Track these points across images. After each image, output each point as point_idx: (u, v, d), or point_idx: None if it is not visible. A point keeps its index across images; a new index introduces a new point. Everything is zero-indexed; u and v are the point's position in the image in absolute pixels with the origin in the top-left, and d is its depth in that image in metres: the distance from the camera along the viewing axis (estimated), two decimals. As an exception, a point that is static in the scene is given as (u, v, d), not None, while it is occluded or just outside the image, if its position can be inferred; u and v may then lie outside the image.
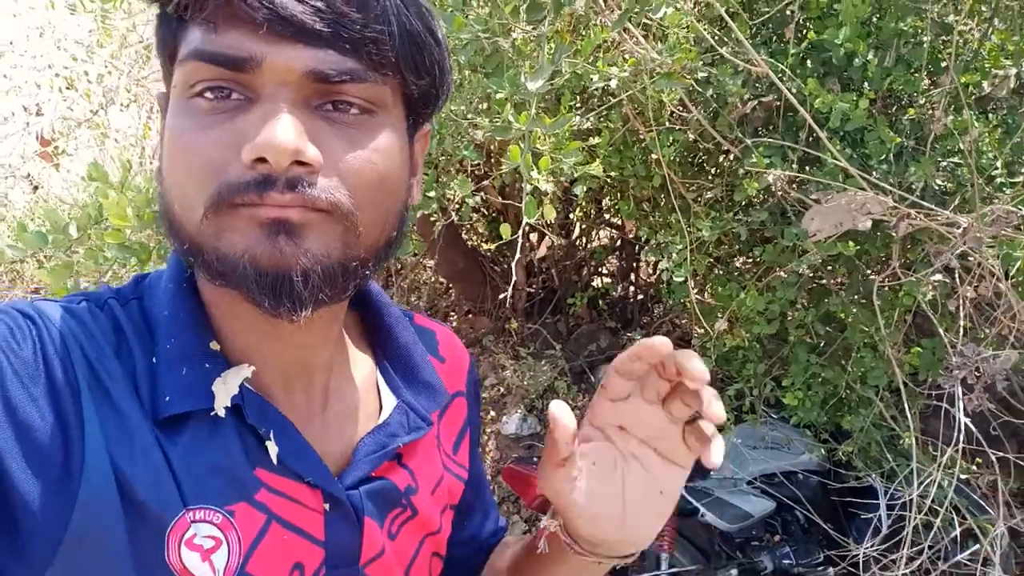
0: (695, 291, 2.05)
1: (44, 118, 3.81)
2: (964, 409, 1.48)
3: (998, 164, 1.97)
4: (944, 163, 1.99)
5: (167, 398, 0.53)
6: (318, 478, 0.58)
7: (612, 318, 3.69)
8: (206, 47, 0.49)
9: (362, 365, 0.69)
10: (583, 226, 3.57)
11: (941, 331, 1.77)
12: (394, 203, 0.56)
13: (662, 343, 0.55)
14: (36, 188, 3.71)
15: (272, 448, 0.56)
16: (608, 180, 2.06)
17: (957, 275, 1.82)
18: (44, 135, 3.70)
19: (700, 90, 1.91)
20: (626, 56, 1.80)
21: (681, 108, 1.98)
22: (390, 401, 0.68)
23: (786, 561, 2.59)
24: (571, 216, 3.28)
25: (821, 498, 2.60)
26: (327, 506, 0.59)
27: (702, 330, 2.38)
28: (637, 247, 3.77)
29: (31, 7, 4.11)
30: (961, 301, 1.71)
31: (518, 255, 1.19)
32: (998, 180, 2.00)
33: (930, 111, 1.95)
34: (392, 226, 0.57)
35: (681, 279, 1.82)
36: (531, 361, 3.27)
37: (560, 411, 0.57)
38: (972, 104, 1.98)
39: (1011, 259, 1.59)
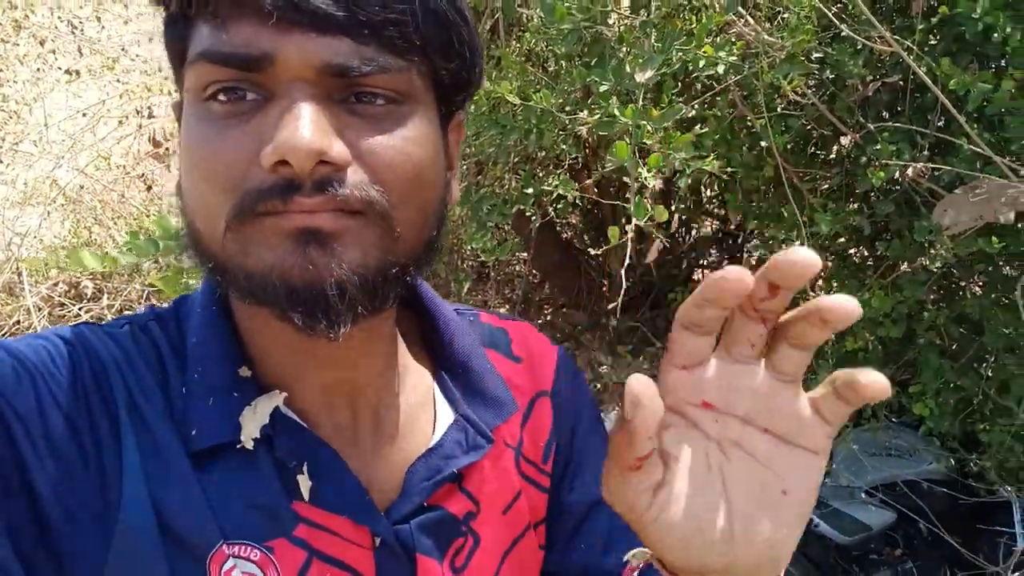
0: (812, 290, 1.91)
1: (156, 120, 3.98)
2: None
3: None
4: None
5: (194, 432, 0.51)
6: (358, 515, 0.53)
7: (714, 313, 3.54)
8: (215, 47, 0.45)
9: (418, 377, 0.63)
10: (683, 217, 3.43)
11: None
12: (432, 199, 0.51)
13: (738, 274, 0.37)
14: (149, 188, 3.88)
15: (304, 483, 0.52)
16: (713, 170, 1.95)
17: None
18: (156, 137, 3.87)
19: (816, 72, 1.77)
20: (733, 39, 1.68)
21: (795, 92, 1.85)
22: (446, 417, 0.61)
23: (909, 578, 2.41)
24: (671, 207, 3.15)
25: (948, 511, 2.41)
26: (377, 541, 0.54)
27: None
28: (740, 238, 3.60)
29: (140, 13, 4.30)
30: None
31: (627, 260, 1.11)
32: None
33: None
34: (432, 226, 0.52)
35: (798, 279, 1.69)
36: (629, 358, 3.18)
37: (642, 388, 0.39)
38: None
39: None
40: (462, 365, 0.63)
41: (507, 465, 0.63)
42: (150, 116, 3.85)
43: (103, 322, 0.56)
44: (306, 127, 0.43)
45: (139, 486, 0.48)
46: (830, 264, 2.19)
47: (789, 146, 1.94)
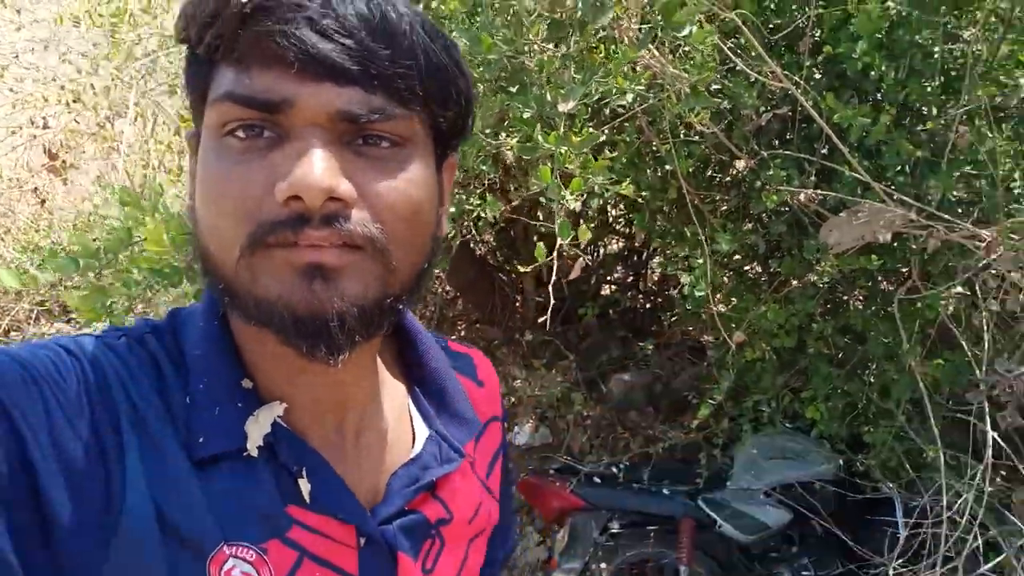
0: (713, 303, 2.05)
1: (50, 131, 3.80)
2: (994, 425, 1.47)
3: (1016, 175, 1.97)
4: (961, 175, 1.98)
5: (201, 439, 0.54)
6: (351, 515, 0.58)
7: (622, 327, 3.69)
8: (239, 89, 0.49)
9: (395, 393, 0.68)
10: (592, 236, 3.56)
11: (964, 344, 1.76)
12: (426, 235, 0.56)
13: None
14: (43, 202, 3.70)
15: (305, 486, 0.56)
16: (627, 194, 2.06)
17: (978, 288, 1.82)
18: (51, 149, 3.69)
19: (716, 101, 1.91)
20: (641, 70, 1.80)
21: (697, 120, 1.98)
22: (423, 431, 0.67)
23: (804, 572, 2.58)
24: (581, 226, 3.27)
25: (838, 509, 2.60)
26: (361, 541, 0.59)
27: (717, 340, 2.37)
28: (644, 255, 3.77)
29: (35, 20, 4.11)
30: (985, 315, 1.70)
31: (554, 277, 1.18)
32: (1016, 191, 1.99)
33: (945, 124, 1.95)
34: (424, 258, 0.57)
35: (702, 293, 1.81)
36: (543, 371, 3.27)
37: None
38: (989, 114, 1.98)
39: (1036, 272, 1.58)
40: (437, 386, 0.69)
41: (471, 478, 0.70)
42: (45, 127, 3.68)
43: (96, 333, 0.58)
44: (318, 167, 0.48)
45: (142, 490, 0.50)
46: (727, 280, 2.34)
47: (691, 170, 2.08)
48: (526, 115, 1.22)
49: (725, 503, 2.59)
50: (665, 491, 2.63)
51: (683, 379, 3.27)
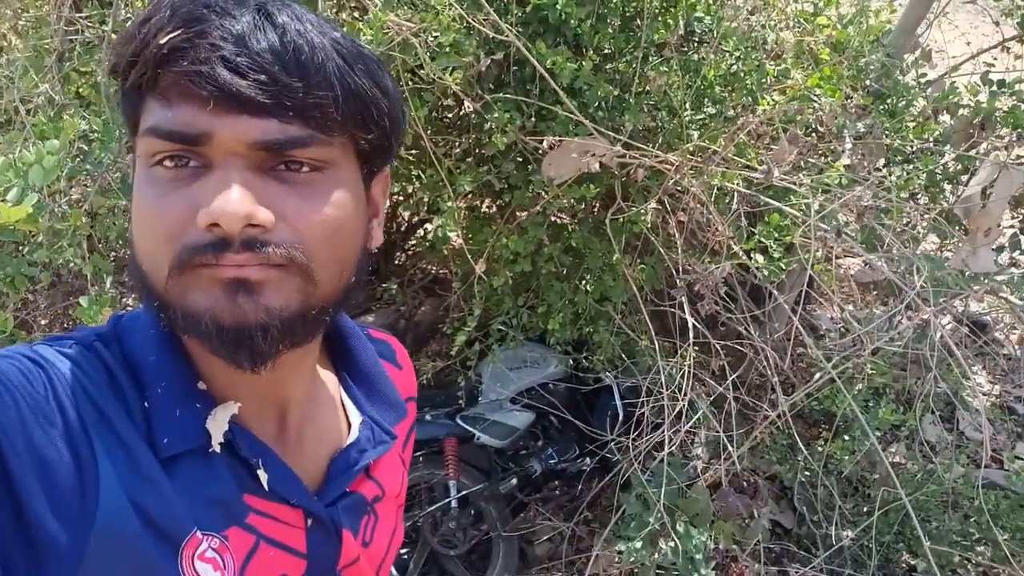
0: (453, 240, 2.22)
1: None
2: (695, 313, 1.85)
3: (687, 105, 2.39)
4: (645, 108, 2.36)
5: (165, 440, 0.57)
6: (301, 500, 0.65)
7: (360, 270, 3.73)
8: (162, 124, 0.53)
9: (327, 381, 0.74)
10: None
11: (661, 250, 2.15)
12: (350, 251, 0.60)
13: None
14: None
15: (263, 476, 0.62)
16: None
17: (667, 204, 2.22)
18: None
19: (465, 61, 2.03)
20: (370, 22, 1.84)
21: (421, 68, 2.09)
22: (356, 417, 0.74)
23: (551, 461, 2.97)
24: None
25: (570, 402, 3.02)
26: (309, 522, 0.66)
27: (460, 273, 2.58)
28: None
29: None
30: (676, 224, 2.10)
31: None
32: (686, 118, 2.43)
33: (629, 63, 2.29)
34: (350, 272, 0.61)
35: (453, 232, 1.97)
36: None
37: None
38: (659, 54, 2.36)
39: (712, 187, 1.98)
40: (365, 374, 0.76)
41: (395, 454, 0.78)
42: None
43: (46, 341, 0.58)
44: (235, 195, 0.51)
45: (116, 487, 0.53)
46: (465, 216, 2.53)
47: (426, 116, 2.19)
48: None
49: (480, 416, 2.86)
50: (428, 417, 2.83)
51: (424, 312, 3.46)
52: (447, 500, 2.76)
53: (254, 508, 0.62)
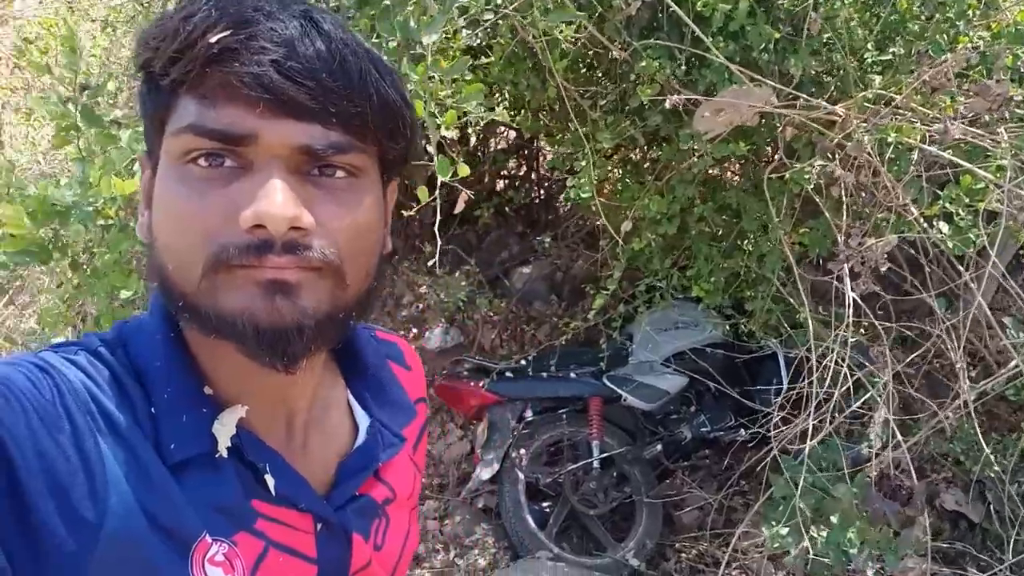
0: (599, 196, 2.12)
1: None
2: (852, 289, 1.64)
3: (869, 44, 2.08)
4: (816, 51, 2.08)
5: (172, 445, 0.57)
6: (310, 504, 0.64)
7: (520, 222, 3.74)
8: (205, 123, 0.52)
9: (335, 388, 0.73)
10: (480, 136, 3.54)
11: (827, 213, 1.91)
12: (375, 256, 0.61)
13: None
14: None
15: (270, 481, 0.62)
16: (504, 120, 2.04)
17: (838, 161, 1.95)
18: None
19: (580, 15, 1.91)
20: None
21: (563, 37, 1.97)
22: (363, 420, 0.72)
23: (703, 428, 2.84)
24: (467, 129, 3.24)
25: (728, 369, 2.84)
26: (318, 527, 0.65)
27: (607, 231, 2.47)
28: (535, 145, 3.78)
29: None
30: (843, 185, 1.84)
31: (437, 217, 1.20)
32: (869, 60, 2.11)
33: (800, 1, 2.02)
34: (373, 276, 0.61)
35: (588, 194, 1.88)
36: (446, 279, 3.32)
37: None
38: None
39: (886, 144, 1.71)
40: (373, 377, 0.74)
41: (406, 457, 0.76)
42: None
43: (52, 348, 0.59)
44: (281, 198, 0.51)
45: (125, 492, 0.53)
46: (611, 172, 2.41)
47: (568, 66, 2.09)
48: (391, 45, 1.20)
49: (628, 377, 2.78)
50: (573, 375, 2.80)
51: (581, 266, 3.40)
52: (589, 460, 2.73)
53: (262, 513, 0.61)
